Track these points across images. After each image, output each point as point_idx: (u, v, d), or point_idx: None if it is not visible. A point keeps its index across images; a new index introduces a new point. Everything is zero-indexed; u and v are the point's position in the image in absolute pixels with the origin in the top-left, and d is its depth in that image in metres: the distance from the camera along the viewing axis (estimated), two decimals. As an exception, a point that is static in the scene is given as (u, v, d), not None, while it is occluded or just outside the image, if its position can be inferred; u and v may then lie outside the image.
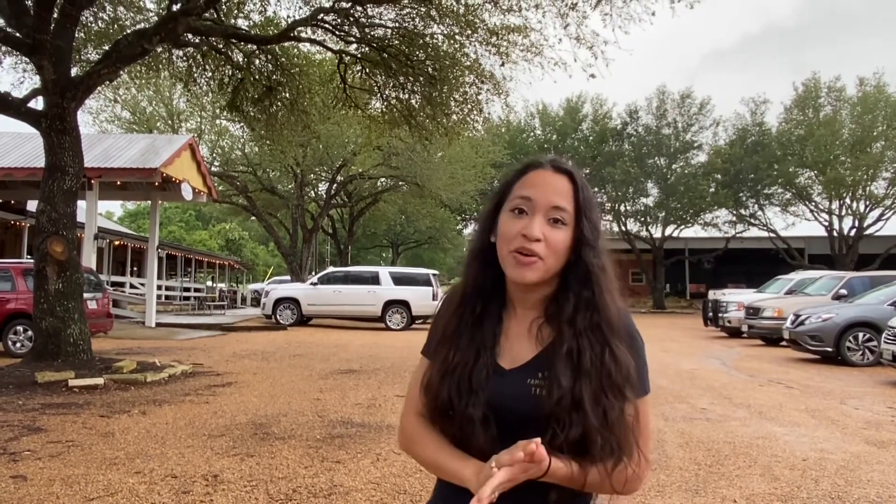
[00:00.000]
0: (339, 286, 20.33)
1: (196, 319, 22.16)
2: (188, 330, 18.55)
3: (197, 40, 11.49)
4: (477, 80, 12.20)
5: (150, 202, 19.82)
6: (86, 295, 13.00)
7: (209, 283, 36.51)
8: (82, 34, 12.46)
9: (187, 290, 32.47)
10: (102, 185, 16.87)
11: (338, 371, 10.42)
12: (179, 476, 4.66)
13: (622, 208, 39.29)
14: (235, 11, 12.84)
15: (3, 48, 11.77)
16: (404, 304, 20.15)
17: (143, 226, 55.80)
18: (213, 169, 25.75)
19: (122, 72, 12.29)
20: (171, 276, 33.08)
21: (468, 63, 12.12)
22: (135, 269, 29.78)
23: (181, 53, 13.50)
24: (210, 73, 13.84)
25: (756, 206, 38.23)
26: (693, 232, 40.83)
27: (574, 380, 1.20)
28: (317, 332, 18.61)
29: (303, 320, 20.60)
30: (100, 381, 8.43)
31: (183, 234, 56.13)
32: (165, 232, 54.13)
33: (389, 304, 20.09)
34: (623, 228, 39.48)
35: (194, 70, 13.72)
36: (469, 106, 12.72)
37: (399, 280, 20.51)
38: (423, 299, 20.02)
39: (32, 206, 20.24)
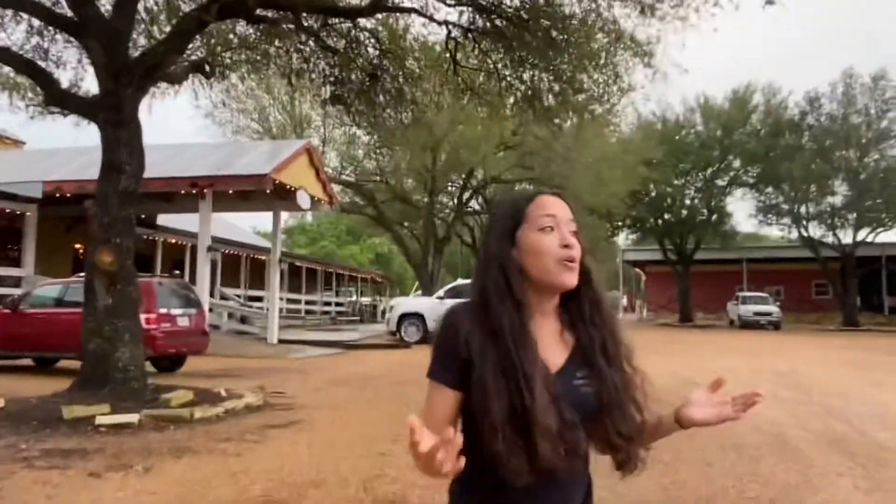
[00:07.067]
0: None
1: (323, 336, 21.11)
2: (308, 347, 17.33)
3: (270, 14, 9.92)
4: (613, 41, 9.71)
5: (273, 212, 18.82)
6: (177, 311, 11.96)
7: (351, 298, 35.93)
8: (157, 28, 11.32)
9: (328, 304, 32.07)
10: (218, 196, 15.99)
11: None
12: None
13: (802, 210, 34.19)
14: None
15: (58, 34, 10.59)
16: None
17: (297, 241, 57.31)
18: (342, 177, 24.88)
19: (185, 53, 10.72)
20: (314, 290, 32.79)
21: (600, 22, 9.68)
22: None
23: (279, 43, 12.19)
24: (311, 65, 12.42)
25: (977, 204, 31.74)
26: (894, 236, 34.67)
27: (613, 372, 1.40)
28: (442, 352, 16.68)
29: (427, 338, 18.78)
30: (134, 418, 6.91)
31: (335, 249, 56.93)
32: (318, 247, 55.15)
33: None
34: (804, 234, 34.31)
35: (294, 62, 12.36)
36: (605, 75, 10.23)
37: None
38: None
39: (162, 220, 20.18)
